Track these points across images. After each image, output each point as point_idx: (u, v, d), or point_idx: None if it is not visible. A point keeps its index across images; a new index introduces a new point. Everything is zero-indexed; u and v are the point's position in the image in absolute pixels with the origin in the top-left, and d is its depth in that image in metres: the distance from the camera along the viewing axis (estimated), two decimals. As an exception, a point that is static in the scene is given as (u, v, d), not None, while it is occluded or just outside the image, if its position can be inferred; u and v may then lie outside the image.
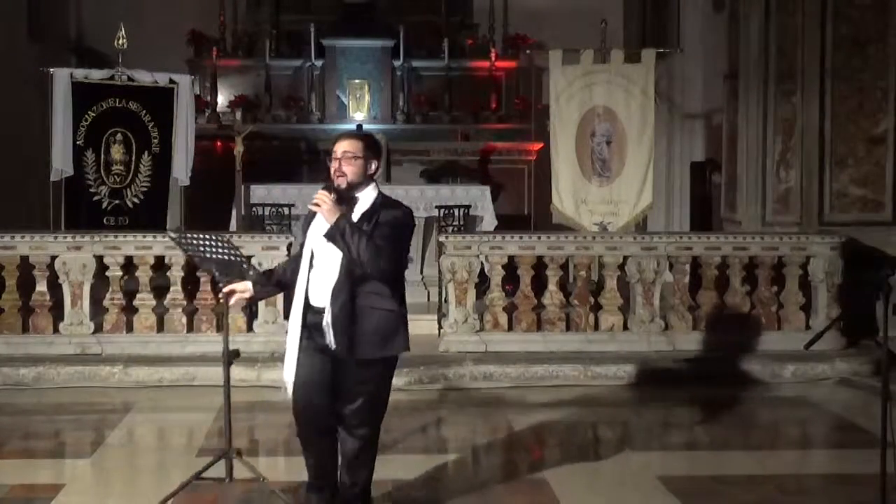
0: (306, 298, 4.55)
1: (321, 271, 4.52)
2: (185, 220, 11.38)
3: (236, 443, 6.50)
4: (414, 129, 13.46)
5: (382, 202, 4.56)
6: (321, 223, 4.48)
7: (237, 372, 7.90)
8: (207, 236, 5.07)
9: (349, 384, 4.57)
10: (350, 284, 4.44)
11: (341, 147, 4.53)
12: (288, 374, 4.62)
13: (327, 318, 4.45)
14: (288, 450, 6.08)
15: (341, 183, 4.49)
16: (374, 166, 4.59)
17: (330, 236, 4.38)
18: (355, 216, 4.47)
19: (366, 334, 4.47)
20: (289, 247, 8.11)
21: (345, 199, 4.48)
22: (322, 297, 4.49)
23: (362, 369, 4.55)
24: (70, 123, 9.54)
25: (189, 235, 5.19)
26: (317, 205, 4.41)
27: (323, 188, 4.46)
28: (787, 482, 5.66)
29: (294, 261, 4.79)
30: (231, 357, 5.38)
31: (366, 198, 4.54)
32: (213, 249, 5.05)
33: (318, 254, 4.55)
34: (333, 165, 4.52)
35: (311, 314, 4.54)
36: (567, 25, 12.54)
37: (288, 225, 9.92)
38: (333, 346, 4.46)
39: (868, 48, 9.48)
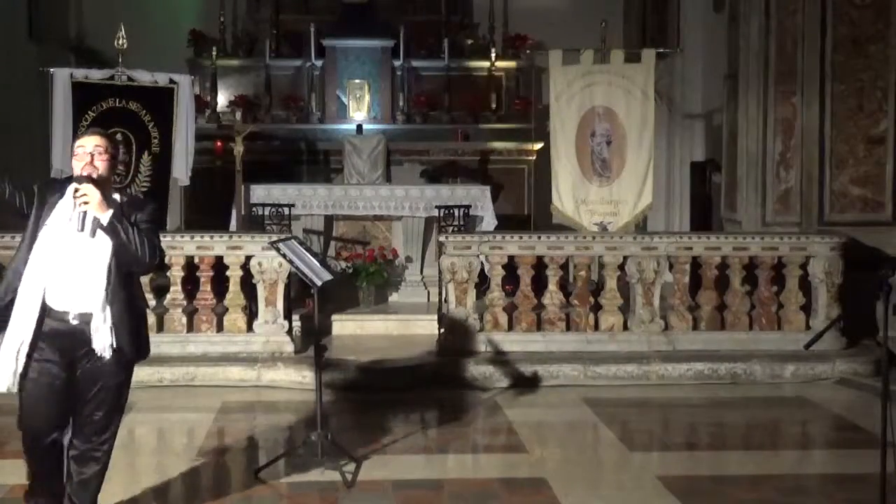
0: (43, 302, 4.20)
1: (76, 270, 4.20)
2: (185, 221, 11.40)
3: (236, 442, 6.52)
4: (414, 129, 13.46)
5: (129, 200, 4.44)
6: (63, 218, 4.23)
7: (237, 372, 7.93)
8: None
9: (100, 392, 4.31)
10: (127, 282, 4.27)
11: (91, 141, 4.28)
12: (3, 381, 4.22)
13: (104, 321, 4.18)
14: (288, 450, 6.07)
15: (92, 174, 4.21)
16: (119, 168, 4.51)
17: (112, 229, 4.16)
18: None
19: (141, 335, 4.38)
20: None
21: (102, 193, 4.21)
22: (77, 300, 4.20)
23: (125, 372, 4.38)
24: (70, 123, 9.54)
25: None
26: (85, 201, 4.14)
27: (82, 181, 4.18)
28: (787, 482, 5.66)
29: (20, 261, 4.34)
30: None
31: (113, 195, 4.33)
32: None
33: (69, 251, 4.21)
34: (84, 160, 4.24)
35: (52, 319, 4.21)
36: (567, 25, 12.55)
37: (288, 225, 9.92)
38: (109, 351, 4.21)
39: (868, 48, 9.48)
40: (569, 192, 10.08)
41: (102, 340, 4.19)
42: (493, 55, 13.61)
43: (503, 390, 7.81)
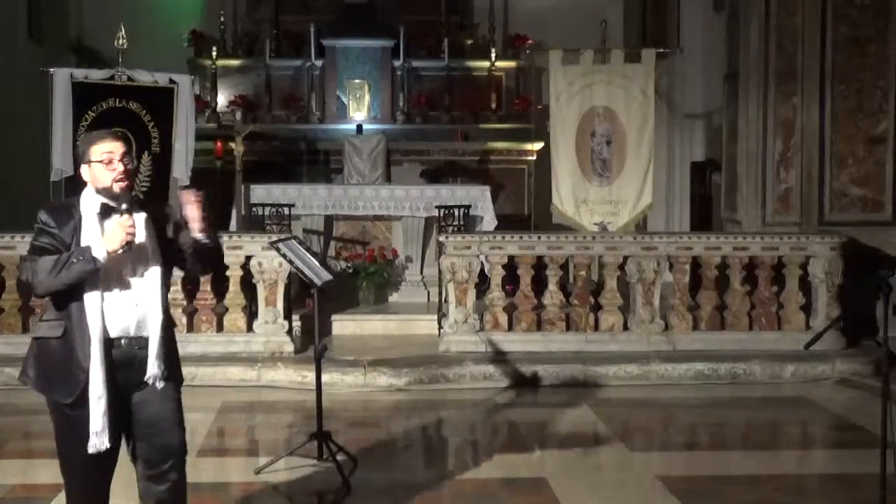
0: (105, 330, 3.70)
1: (135, 293, 3.75)
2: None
3: (235, 443, 6.52)
4: (414, 129, 13.46)
5: (152, 204, 4.00)
6: (99, 244, 3.64)
7: (237, 372, 7.94)
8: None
9: (163, 420, 3.86)
10: (166, 301, 3.87)
11: (119, 148, 3.76)
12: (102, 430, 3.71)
13: (159, 347, 3.77)
14: (289, 450, 6.07)
15: (125, 189, 3.75)
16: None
17: (215, 240, 3.92)
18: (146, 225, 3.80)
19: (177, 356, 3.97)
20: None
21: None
22: (137, 324, 3.75)
23: (178, 395, 3.95)
24: (70, 123, 9.53)
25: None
26: (133, 233, 3.64)
27: (121, 213, 3.64)
28: (787, 482, 5.66)
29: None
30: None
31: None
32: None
33: (121, 275, 3.73)
34: (115, 168, 3.72)
35: (115, 349, 3.74)
36: (567, 25, 12.54)
37: (288, 225, 9.93)
38: (160, 379, 3.80)
39: (868, 48, 9.48)
40: (569, 192, 10.08)
41: (153, 368, 3.78)
42: (493, 55, 13.61)
43: (503, 390, 7.81)
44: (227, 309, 8.42)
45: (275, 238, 6.72)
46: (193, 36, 13.57)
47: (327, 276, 5.88)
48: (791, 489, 5.53)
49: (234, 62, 13.68)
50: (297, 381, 7.73)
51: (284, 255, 5.98)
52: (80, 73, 9.82)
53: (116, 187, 3.71)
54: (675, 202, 12.64)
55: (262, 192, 10.27)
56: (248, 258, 8.28)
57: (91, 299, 3.67)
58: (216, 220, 4.31)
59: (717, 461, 6.20)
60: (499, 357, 8.21)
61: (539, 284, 8.61)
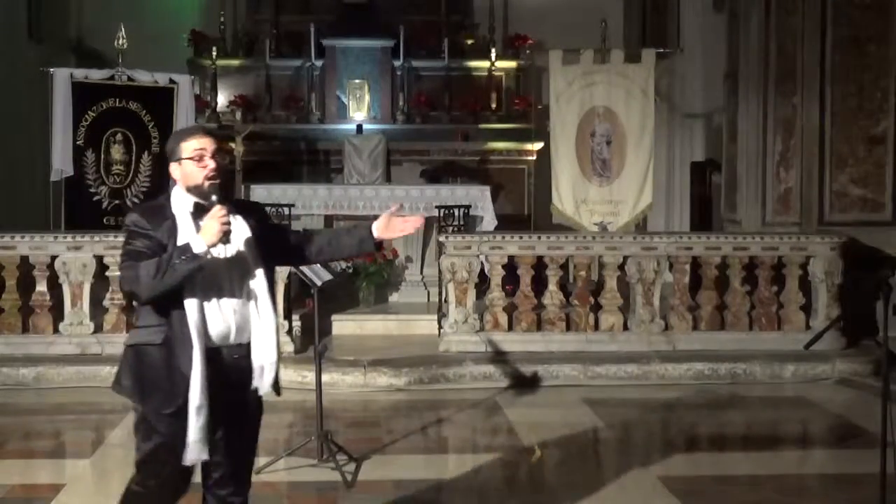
0: (207, 336, 3.53)
1: (234, 298, 3.58)
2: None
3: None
4: (414, 129, 13.46)
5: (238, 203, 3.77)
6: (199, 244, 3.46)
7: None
8: None
9: (248, 436, 3.78)
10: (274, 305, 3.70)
11: (211, 144, 3.61)
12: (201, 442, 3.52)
13: (268, 353, 3.61)
14: (289, 450, 6.07)
15: (217, 186, 3.58)
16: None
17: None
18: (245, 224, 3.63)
19: None
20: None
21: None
22: (237, 330, 3.58)
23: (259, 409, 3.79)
24: (70, 123, 9.55)
25: None
26: (228, 230, 3.48)
27: (215, 205, 3.49)
28: (787, 482, 5.66)
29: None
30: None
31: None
32: None
33: (220, 278, 3.56)
34: (205, 164, 3.57)
35: (216, 356, 3.56)
36: (567, 25, 12.54)
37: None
38: (267, 388, 3.65)
39: (868, 48, 9.48)
40: (569, 192, 10.08)
41: (265, 377, 3.62)
42: (493, 55, 13.61)
43: (503, 390, 7.81)
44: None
45: None
46: (193, 36, 13.58)
47: (327, 276, 5.88)
48: (791, 489, 5.52)
49: (234, 62, 13.68)
50: (297, 381, 7.72)
51: None
52: (80, 73, 9.84)
53: (208, 185, 3.54)
54: (675, 202, 12.64)
55: (262, 192, 10.27)
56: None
57: (191, 305, 3.48)
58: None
59: (717, 461, 6.20)
60: (499, 357, 8.21)
61: (539, 284, 8.61)
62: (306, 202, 10.26)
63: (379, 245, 3.89)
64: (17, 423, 6.93)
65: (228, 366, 3.57)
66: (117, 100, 9.75)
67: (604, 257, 8.65)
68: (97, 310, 8.38)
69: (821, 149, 9.51)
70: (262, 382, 3.61)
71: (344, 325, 9.21)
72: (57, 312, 8.32)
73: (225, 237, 3.45)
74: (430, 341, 8.67)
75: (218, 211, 3.44)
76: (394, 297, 10.11)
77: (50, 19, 13.02)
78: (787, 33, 9.53)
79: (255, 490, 5.29)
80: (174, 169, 3.62)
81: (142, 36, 10.93)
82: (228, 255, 3.56)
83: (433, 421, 7.06)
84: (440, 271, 8.77)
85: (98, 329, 8.33)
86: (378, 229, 3.81)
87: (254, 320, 3.59)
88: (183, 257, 3.39)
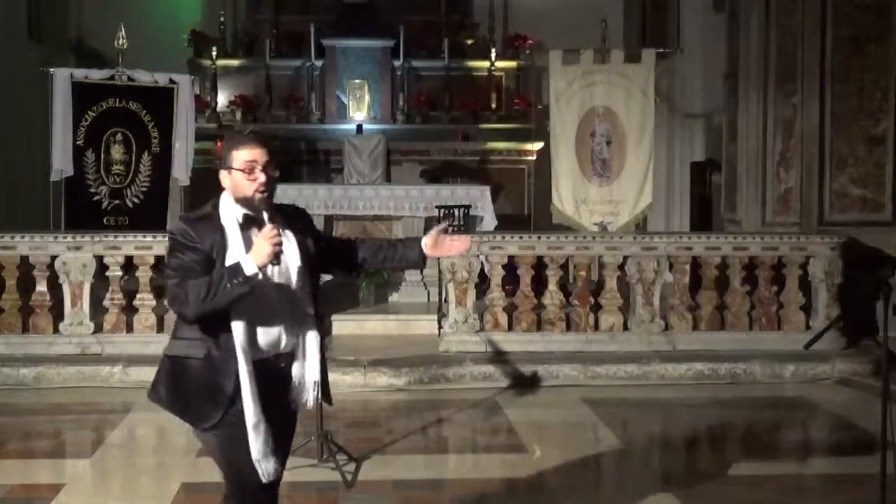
0: (253, 351, 3.45)
1: (282, 309, 3.51)
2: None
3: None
4: (414, 129, 13.46)
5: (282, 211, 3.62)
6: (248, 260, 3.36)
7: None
8: None
9: (289, 441, 3.78)
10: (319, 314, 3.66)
11: (262, 156, 3.45)
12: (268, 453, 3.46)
13: (312, 363, 3.60)
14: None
15: (267, 199, 3.47)
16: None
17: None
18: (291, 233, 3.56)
19: None
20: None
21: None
22: (284, 341, 3.52)
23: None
24: (70, 123, 9.54)
25: None
26: (279, 250, 3.35)
27: (266, 223, 3.38)
28: (786, 482, 5.66)
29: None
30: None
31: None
32: None
33: (267, 291, 3.45)
34: (256, 177, 3.43)
35: (262, 369, 3.46)
36: (567, 25, 12.54)
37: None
38: (311, 402, 3.66)
39: (868, 48, 9.47)
40: (569, 192, 10.08)
41: (307, 392, 3.63)
42: (493, 55, 13.61)
43: (503, 390, 7.81)
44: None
45: None
46: (193, 36, 13.58)
47: (327, 276, 5.89)
48: (791, 489, 5.53)
49: (234, 62, 13.68)
50: (297, 381, 7.72)
51: None
52: (80, 73, 9.84)
53: (258, 198, 3.42)
54: (675, 202, 12.65)
55: (262, 192, 10.25)
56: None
57: (238, 326, 3.39)
58: None
59: (717, 461, 6.20)
60: (499, 357, 8.21)
61: (539, 284, 8.61)
62: (306, 202, 10.24)
63: (425, 261, 3.88)
64: (17, 423, 6.93)
65: (273, 376, 3.51)
66: (117, 100, 9.75)
67: (604, 257, 8.64)
68: (97, 310, 8.38)
69: (821, 149, 9.51)
70: (311, 396, 3.61)
71: (344, 325, 9.21)
72: (57, 312, 8.32)
73: (276, 259, 3.34)
74: (430, 341, 8.67)
75: (270, 231, 3.32)
76: (394, 297, 10.11)
77: (50, 19, 13.03)
78: (787, 33, 9.53)
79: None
80: (223, 177, 3.50)
81: (142, 36, 10.93)
82: (278, 276, 3.46)
83: (433, 421, 7.06)
84: (440, 271, 8.77)
85: (98, 329, 8.33)
86: (428, 247, 3.80)
87: (301, 335, 3.55)
88: (235, 281, 3.29)
